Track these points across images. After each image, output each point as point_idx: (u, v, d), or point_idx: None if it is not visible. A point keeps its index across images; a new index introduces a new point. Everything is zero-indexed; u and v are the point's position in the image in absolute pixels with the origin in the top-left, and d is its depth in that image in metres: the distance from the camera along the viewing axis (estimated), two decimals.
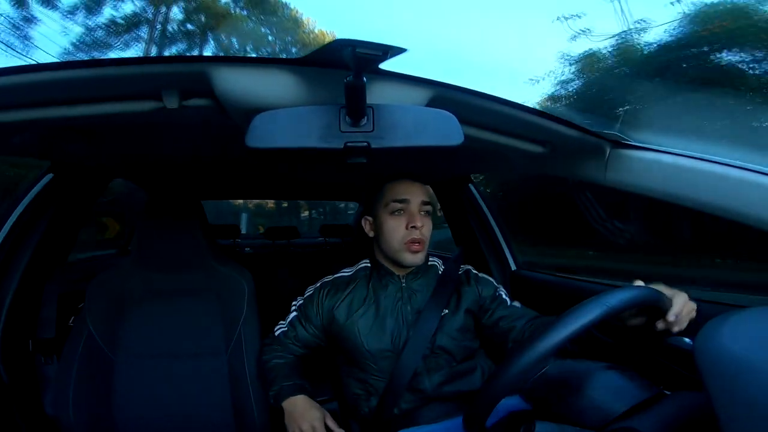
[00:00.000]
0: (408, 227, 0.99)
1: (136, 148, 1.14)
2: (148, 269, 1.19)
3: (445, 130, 0.61)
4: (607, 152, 0.89)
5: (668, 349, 0.79)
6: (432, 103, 0.69)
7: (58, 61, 0.60)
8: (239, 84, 0.61)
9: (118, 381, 1.08)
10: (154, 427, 1.08)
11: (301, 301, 1.10)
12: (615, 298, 0.58)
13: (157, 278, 1.19)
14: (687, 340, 0.81)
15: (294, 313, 1.09)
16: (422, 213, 1.01)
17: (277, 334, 1.09)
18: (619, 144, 0.88)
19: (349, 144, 0.58)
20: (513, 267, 1.65)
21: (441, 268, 1.10)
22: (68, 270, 1.46)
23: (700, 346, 0.48)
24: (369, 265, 1.12)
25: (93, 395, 1.09)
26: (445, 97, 0.69)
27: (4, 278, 1.18)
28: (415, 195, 1.01)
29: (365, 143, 0.58)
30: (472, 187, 1.68)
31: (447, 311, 1.02)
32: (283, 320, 1.10)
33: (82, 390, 1.08)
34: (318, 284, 1.10)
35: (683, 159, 0.77)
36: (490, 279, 1.12)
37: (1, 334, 1.14)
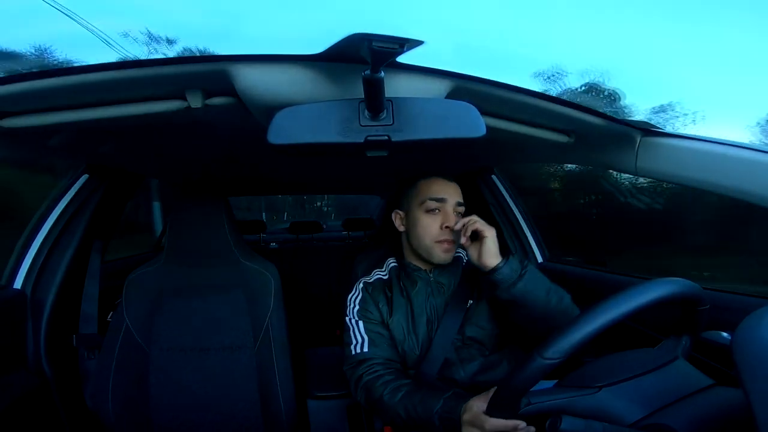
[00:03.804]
0: (442, 227, 0.99)
1: (165, 147, 1.18)
2: (180, 265, 1.23)
3: (466, 122, 0.60)
4: (638, 141, 0.87)
5: (704, 344, 0.77)
6: (451, 95, 0.68)
7: (86, 64, 0.63)
8: (259, 81, 0.61)
9: (153, 374, 1.12)
10: (186, 419, 1.12)
11: (356, 307, 1.04)
12: (646, 294, 0.57)
13: (187, 274, 1.22)
14: (725, 334, 0.78)
15: (360, 323, 1.02)
16: (456, 213, 1.01)
17: (366, 351, 0.98)
18: (649, 132, 0.85)
19: (369, 138, 0.58)
20: (540, 259, 1.62)
21: (465, 259, 1.10)
22: (106, 266, 1.52)
23: (739, 341, 0.46)
24: (396, 264, 1.12)
25: (130, 388, 1.14)
26: (465, 88, 0.69)
27: (47, 276, 1.24)
28: (452, 195, 1.01)
29: (385, 136, 0.58)
30: (495, 178, 1.65)
31: (472, 302, 1.02)
32: (351, 341, 1.01)
33: (120, 383, 1.13)
34: (360, 285, 1.08)
35: (716, 146, 0.74)
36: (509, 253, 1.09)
37: (46, 330, 1.20)
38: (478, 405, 0.75)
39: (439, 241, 1.00)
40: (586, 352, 0.63)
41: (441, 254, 1.00)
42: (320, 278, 2.70)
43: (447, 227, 0.98)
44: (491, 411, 0.66)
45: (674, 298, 0.59)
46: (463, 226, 0.92)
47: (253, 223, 3.03)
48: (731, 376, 0.46)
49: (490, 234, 0.89)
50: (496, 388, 0.67)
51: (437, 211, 1.00)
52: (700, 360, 0.82)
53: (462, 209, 1.03)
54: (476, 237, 0.90)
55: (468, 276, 1.04)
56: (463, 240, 0.92)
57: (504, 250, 1.02)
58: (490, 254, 0.88)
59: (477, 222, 0.90)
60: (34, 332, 1.18)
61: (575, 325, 0.55)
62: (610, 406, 0.59)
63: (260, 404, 1.14)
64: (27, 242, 1.23)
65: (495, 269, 0.88)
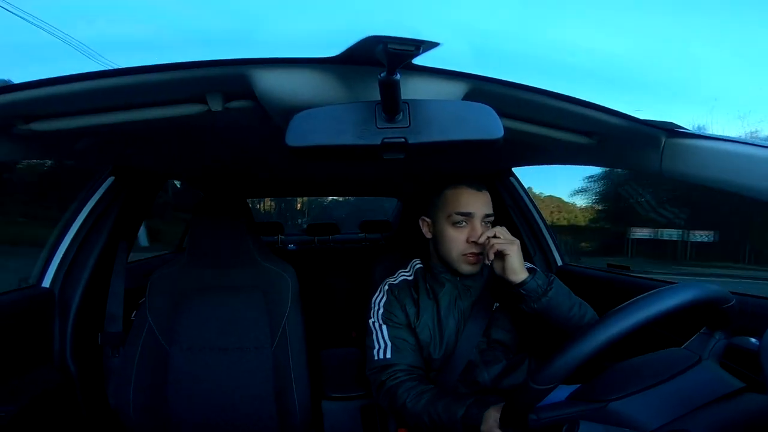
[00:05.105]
0: (468, 241, 0.97)
1: (187, 150, 1.20)
2: (200, 266, 1.25)
3: (484, 124, 0.59)
4: (663, 142, 0.84)
5: (732, 349, 0.74)
6: (468, 96, 0.68)
7: (110, 69, 0.65)
8: (277, 84, 0.62)
9: (172, 373, 1.14)
10: (203, 418, 1.14)
11: (381, 310, 1.04)
12: (666, 301, 0.55)
13: (208, 274, 1.25)
14: (753, 340, 0.75)
15: (384, 327, 1.02)
16: (484, 224, 0.99)
17: (389, 357, 0.98)
18: (674, 133, 0.83)
19: (386, 140, 0.58)
20: (559, 262, 1.59)
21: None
22: (131, 267, 1.56)
23: (767, 346, 0.45)
24: (422, 265, 1.12)
25: (151, 386, 1.16)
26: (482, 90, 0.68)
27: (74, 275, 1.28)
28: (479, 208, 0.98)
29: (402, 139, 0.58)
30: (514, 180, 1.63)
31: (498, 305, 1.02)
32: (373, 345, 1.01)
33: (141, 381, 1.16)
34: (386, 287, 1.08)
35: (744, 146, 0.72)
36: (533, 268, 1.06)
37: (72, 328, 1.24)
38: (494, 417, 0.76)
39: (465, 255, 0.98)
40: (608, 356, 0.61)
41: (467, 267, 1.00)
42: (337, 280, 2.71)
43: (474, 242, 0.96)
44: (503, 425, 0.66)
45: (681, 308, 0.56)
46: (486, 240, 0.91)
47: (272, 225, 3.06)
48: (759, 381, 0.45)
49: (512, 251, 0.88)
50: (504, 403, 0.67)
51: (464, 223, 0.98)
52: (728, 365, 0.79)
53: (491, 219, 1.00)
54: (500, 254, 0.89)
55: (495, 279, 1.02)
56: (487, 261, 0.92)
57: (524, 254, 1.01)
58: (514, 271, 0.88)
59: (496, 243, 0.89)
60: (60, 330, 1.22)
61: (566, 351, 0.55)
62: (622, 418, 0.58)
63: (276, 404, 1.15)
64: (56, 242, 1.27)
65: (521, 284, 0.88)
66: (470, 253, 0.98)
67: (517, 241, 0.91)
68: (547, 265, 1.58)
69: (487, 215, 0.99)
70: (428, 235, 1.07)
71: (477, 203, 0.99)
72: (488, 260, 0.91)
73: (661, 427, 0.55)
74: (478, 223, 0.97)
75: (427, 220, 1.06)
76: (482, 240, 0.93)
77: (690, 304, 0.57)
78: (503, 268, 0.89)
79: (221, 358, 1.16)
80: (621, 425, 0.56)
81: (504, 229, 0.93)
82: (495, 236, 0.90)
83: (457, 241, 0.98)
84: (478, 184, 1.02)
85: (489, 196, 1.02)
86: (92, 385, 1.27)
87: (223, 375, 1.15)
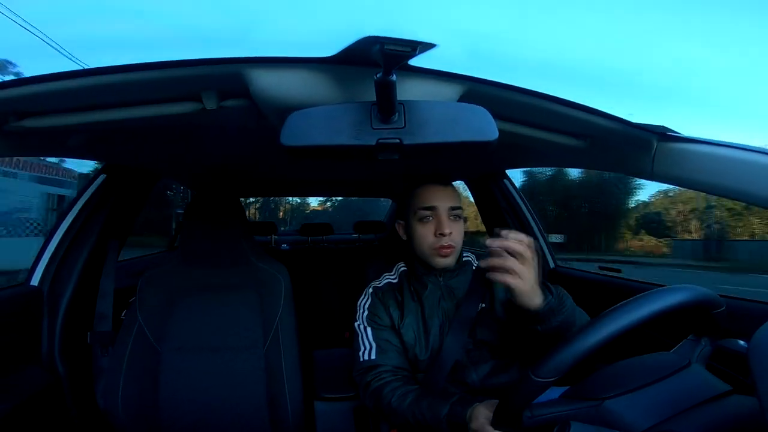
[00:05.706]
0: (436, 234, 0.99)
1: (181, 149, 1.19)
2: (193, 265, 1.24)
3: (479, 126, 0.59)
4: (654, 145, 0.85)
5: (721, 351, 0.75)
6: (464, 98, 0.68)
7: (104, 66, 0.64)
8: (273, 83, 0.62)
9: (163, 373, 1.13)
10: (194, 419, 1.12)
11: (366, 313, 1.05)
12: (647, 306, 0.56)
13: (200, 274, 1.24)
14: (741, 342, 0.76)
15: (369, 329, 1.02)
16: (451, 218, 1.00)
17: (374, 358, 0.98)
18: (666, 137, 0.84)
19: (381, 141, 0.58)
20: (552, 264, 1.60)
21: (475, 264, 1.09)
22: (121, 266, 1.54)
23: (755, 348, 0.45)
24: (406, 268, 1.13)
25: (141, 386, 1.14)
26: (477, 91, 0.68)
27: (64, 274, 1.26)
28: (443, 201, 1.00)
29: (397, 139, 0.58)
30: (507, 183, 1.64)
31: (484, 305, 1.01)
32: (359, 347, 1.01)
33: (130, 380, 1.14)
34: (370, 290, 1.09)
35: (737, 151, 0.72)
36: (543, 282, 1.04)
37: (61, 328, 1.22)
38: (485, 414, 0.74)
39: (436, 248, 0.99)
40: (599, 358, 0.62)
41: (440, 260, 1.00)
42: (330, 280, 2.71)
43: (441, 234, 0.98)
44: (496, 423, 0.66)
45: (679, 307, 0.57)
46: (499, 254, 0.74)
47: (265, 225, 3.05)
48: (747, 384, 0.46)
49: (526, 276, 0.74)
50: (499, 401, 0.67)
51: (430, 218, 1.00)
52: (716, 367, 0.80)
53: (457, 212, 1.02)
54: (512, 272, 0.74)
55: (479, 279, 1.03)
56: (491, 277, 0.76)
57: None
58: (528, 295, 0.75)
59: (508, 275, 0.73)
60: (49, 329, 1.20)
61: (569, 344, 0.55)
62: (616, 417, 0.58)
63: (267, 405, 1.14)
64: (45, 241, 1.26)
65: (540, 306, 0.77)
66: (440, 246, 0.99)
67: (527, 265, 0.75)
68: (539, 268, 1.58)
69: (453, 208, 1.00)
70: (404, 237, 1.09)
71: (440, 196, 1.00)
72: (493, 278, 0.76)
73: (651, 428, 0.55)
74: (443, 216, 0.99)
75: (402, 222, 1.09)
76: (483, 265, 0.77)
77: (693, 303, 0.58)
78: (513, 293, 0.75)
79: (213, 358, 1.15)
80: (613, 426, 0.57)
81: (519, 236, 0.76)
82: (508, 250, 0.74)
83: (426, 235, 1.00)
84: (443, 180, 1.04)
85: (455, 190, 1.04)
86: (81, 385, 1.25)
87: (214, 375, 1.14)
